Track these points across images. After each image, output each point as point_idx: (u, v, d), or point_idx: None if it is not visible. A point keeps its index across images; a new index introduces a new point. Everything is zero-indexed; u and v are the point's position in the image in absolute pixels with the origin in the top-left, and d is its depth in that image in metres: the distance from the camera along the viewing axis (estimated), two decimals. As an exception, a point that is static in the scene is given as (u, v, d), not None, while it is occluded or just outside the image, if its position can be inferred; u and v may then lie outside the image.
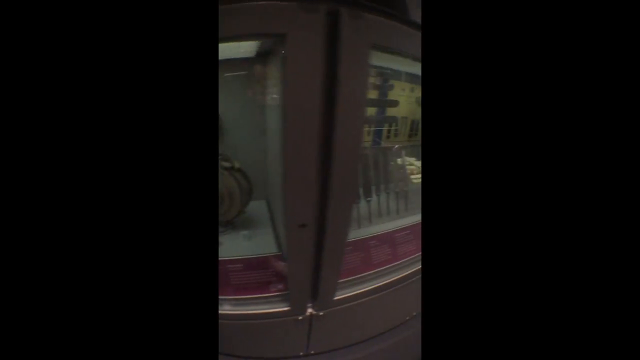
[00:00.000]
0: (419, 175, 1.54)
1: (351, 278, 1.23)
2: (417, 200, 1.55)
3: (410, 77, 1.56)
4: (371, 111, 1.46)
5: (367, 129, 1.54)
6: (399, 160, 1.56)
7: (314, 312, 1.15)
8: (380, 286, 1.25)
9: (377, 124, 1.54)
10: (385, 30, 0.86)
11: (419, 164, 1.55)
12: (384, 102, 1.40)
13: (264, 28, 0.76)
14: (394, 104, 1.44)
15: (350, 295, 1.20)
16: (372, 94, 1.45)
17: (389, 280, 1.27)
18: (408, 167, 1.53)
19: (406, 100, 1.56)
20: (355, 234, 1.29)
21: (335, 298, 1.17)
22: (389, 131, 1.60)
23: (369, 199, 1.41)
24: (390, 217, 1.44)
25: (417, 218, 1.42)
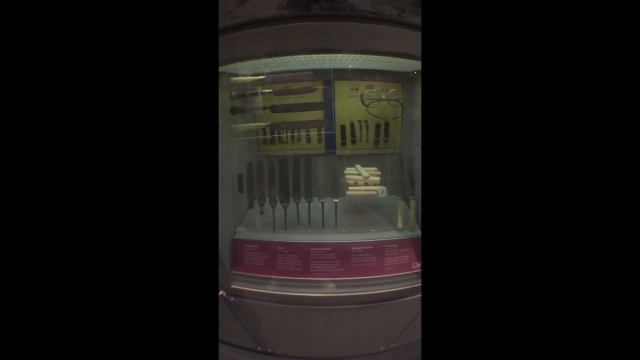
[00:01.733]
0: (366, 188, 1.35)
1: (255, 275, 1.27)
2: (354, 215, 1.43)
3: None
4: (314, 115, 1.36)
5: (314, 133, 1.44)
6: (347, 170, 1.41)
7: (224, 294, 1.21)
8: (286, 295, 1.21)
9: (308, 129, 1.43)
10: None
11: (367, 173, 1.35)
12: (307, 106, 1.31)
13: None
14: (319, 106, 1.32)
15: (256, 292, 1.22)
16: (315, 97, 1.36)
17: (296, 294, 1.21)
18: (352, 177, 1.36)
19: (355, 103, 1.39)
20: (262, 236, 1.32)
21: (235, 287, 1.23)
22: (343, 137, 1.45)
23: (285, 204, 1.34)
24: (306, 228, 1.36)
25: (343, 237, 1.30)
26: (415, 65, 1.25)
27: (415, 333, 1.16)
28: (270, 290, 1.23)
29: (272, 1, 0.98)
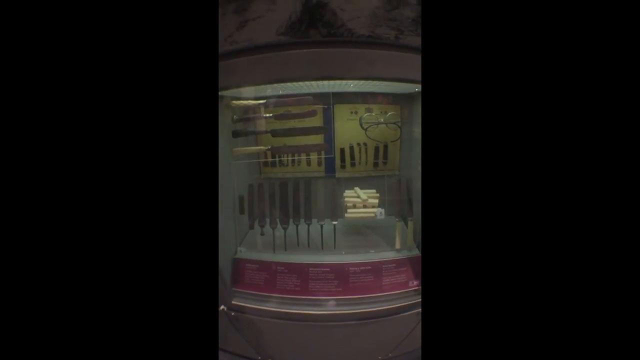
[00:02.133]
0: (364, 210, 1.35)
1: (255, 292, 1.29)
2: (352, 237, 1.44)
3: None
4: (314, 139, 1.38)
5: (315, 156, 1.46)
6: (346, 192, 1.41)
7: (225, 309, 1.22)
8: (285, 312, 1.22)
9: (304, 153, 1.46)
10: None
11: (366, 196, 1.36)
12: (307, 130, 1.33)
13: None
14: (319, 131, 1.34)
15: (256, 308, 1.23)
16: (315, 121, 1.38)
17: (295, 311, 1.23)
18: (351, 200, 1.36)
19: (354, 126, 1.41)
20: (262, 256, 1.33)
21: (236, 303, 1.24)
22: (342, 160, 1.46)
23: (285, 226, 1.35)
24: (305, 249, 1.38)
25: (341, 258, 1.31)
26: (415, 85, 1.26)
27: (411, 344, 1.18)
28: (269, 307, 1.24)
29: (270, 26, 1.01)
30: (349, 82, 1.26)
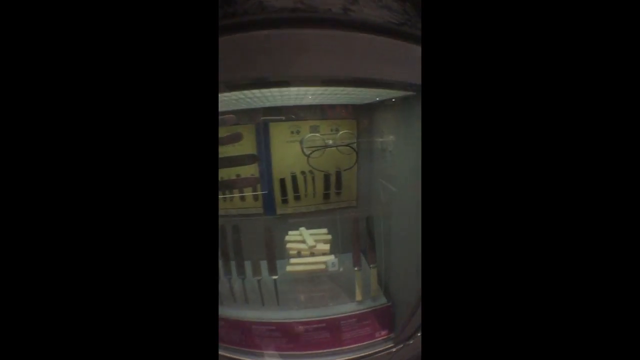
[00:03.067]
0: (311, 259, 1.01)
1: None
2: (302, 287, 1.12)
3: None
4: (246, 170, 1.03)
5: (249, 193, 1.11)
6: (289, 235, 1.07)
7: None
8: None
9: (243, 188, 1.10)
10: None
11: (313, 240, 1.01)
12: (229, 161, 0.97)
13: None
14: (246, 160, 0.98)
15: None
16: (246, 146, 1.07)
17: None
18: (294, 246, 1.02)
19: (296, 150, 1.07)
20: None
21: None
22: (283, 193, 1.11)
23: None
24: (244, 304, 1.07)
25: (289, 314, 1.02)
26: (380, 92, 0.90)
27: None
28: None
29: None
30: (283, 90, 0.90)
